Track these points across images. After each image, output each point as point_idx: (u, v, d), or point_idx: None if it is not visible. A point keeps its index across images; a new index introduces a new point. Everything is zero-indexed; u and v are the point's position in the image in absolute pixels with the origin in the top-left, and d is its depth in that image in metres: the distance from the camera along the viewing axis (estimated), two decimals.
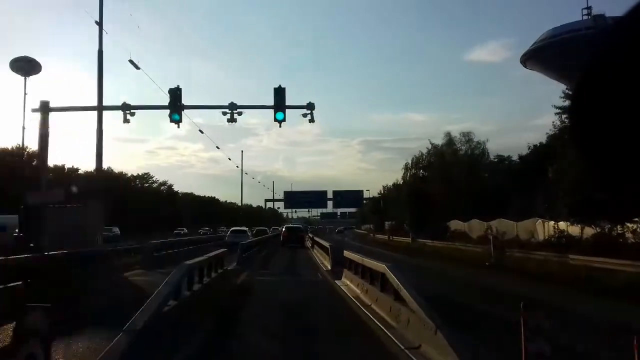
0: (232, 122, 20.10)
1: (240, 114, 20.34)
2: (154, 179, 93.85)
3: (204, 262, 12.17)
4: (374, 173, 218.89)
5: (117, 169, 79.26)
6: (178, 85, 20.04)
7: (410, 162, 62.72)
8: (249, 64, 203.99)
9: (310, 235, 46.96)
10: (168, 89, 19.92)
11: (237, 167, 66.95)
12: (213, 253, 14.97)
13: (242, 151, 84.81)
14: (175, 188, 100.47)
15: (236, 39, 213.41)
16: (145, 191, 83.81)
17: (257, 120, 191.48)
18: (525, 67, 78.33)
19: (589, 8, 67.99)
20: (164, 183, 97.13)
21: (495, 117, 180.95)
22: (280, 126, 20.30)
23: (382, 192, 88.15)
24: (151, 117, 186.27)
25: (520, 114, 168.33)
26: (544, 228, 27.38)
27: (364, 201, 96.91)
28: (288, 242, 40.60)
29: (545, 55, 69.03)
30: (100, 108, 20.67)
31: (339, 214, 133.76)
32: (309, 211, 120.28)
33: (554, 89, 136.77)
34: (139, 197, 71.50)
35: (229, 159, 67.93)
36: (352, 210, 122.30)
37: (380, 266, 10.61)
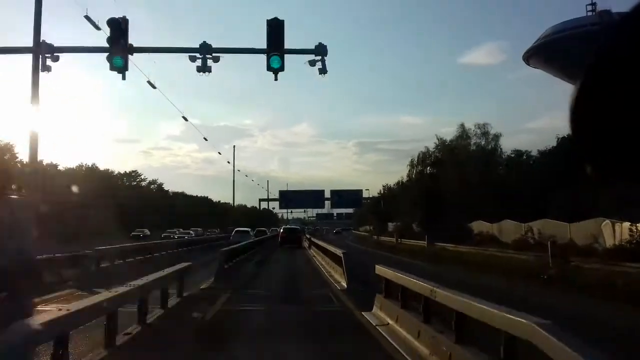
0: (204, 72, 13.79)
1: (216, 60, 13.89)
2: (142, 176, 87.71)
3: (130, 295, 6.13)
4: (370, 175, 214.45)
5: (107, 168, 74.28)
6: (124, 16, 13.56)
7: (416, 158, 57.11)
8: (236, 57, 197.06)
9: (308, 236, 46.35)
10: (107, 19, 13.36)
11: (229, 162, 60.92)
12: (165, 271, 8.97)
13: (234, 146, 78.67)
14: (168, 188, 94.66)
15: (229, 32, 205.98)
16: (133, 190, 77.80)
17: (251, 121, 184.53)
18: (528, 64, 73.18)
19: (593, 4, 63.00)
20: (154, 182, 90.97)
21: (490, 120, 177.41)
22: (276, 79, 13.84)
23: (382, 191, 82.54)
24: (145, 117, 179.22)
25: (515, 117, 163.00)
26: (614, 231, 21.43)
27: (364, 201, 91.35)
28: (286, 243, 41.94)
29: (548, 52, 64.44)
30: (34, 51, 14.53)
31: (335, 214, 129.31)
32: (305, 212, 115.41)
33: (550, 92, 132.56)
34: (126, 196, 65.56)
35: (219, 153, 62.57)
36: (349, 211, 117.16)
37: (519, 322, 4.48)
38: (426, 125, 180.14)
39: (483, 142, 52.61)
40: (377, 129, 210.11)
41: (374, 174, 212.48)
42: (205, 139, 42.80)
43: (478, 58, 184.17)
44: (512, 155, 55.37)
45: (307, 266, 24.28)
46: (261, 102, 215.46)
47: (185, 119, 27.49)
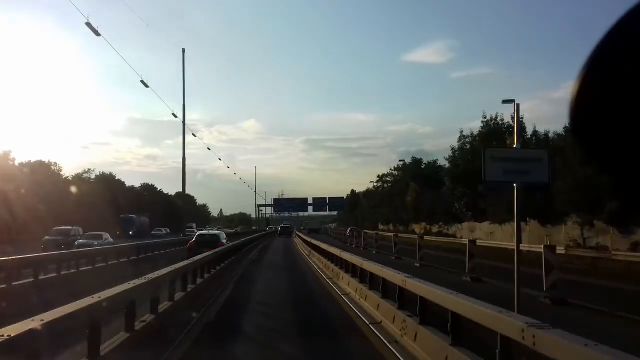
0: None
1: None
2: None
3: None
4: (317, 172, 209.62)
5: None
6: None
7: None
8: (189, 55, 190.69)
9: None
10: None
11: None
12: None
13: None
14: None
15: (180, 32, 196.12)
16: None
17: (197, 116, 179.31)
18: None
19: None
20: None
21: (434, 118, 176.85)
22: None
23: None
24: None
25: (457, 117, 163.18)
26: None
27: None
28: (283, 234, 69.97)
29: None
30: None
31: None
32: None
33: (488, 95, 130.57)
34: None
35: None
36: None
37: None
38: (374, 123, 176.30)
39: None
40: (325, 127, 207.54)
41: (321, 172, 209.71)
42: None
43: (426, 56, 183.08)
44: None
45: None
46: (208, 97, 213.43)
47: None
